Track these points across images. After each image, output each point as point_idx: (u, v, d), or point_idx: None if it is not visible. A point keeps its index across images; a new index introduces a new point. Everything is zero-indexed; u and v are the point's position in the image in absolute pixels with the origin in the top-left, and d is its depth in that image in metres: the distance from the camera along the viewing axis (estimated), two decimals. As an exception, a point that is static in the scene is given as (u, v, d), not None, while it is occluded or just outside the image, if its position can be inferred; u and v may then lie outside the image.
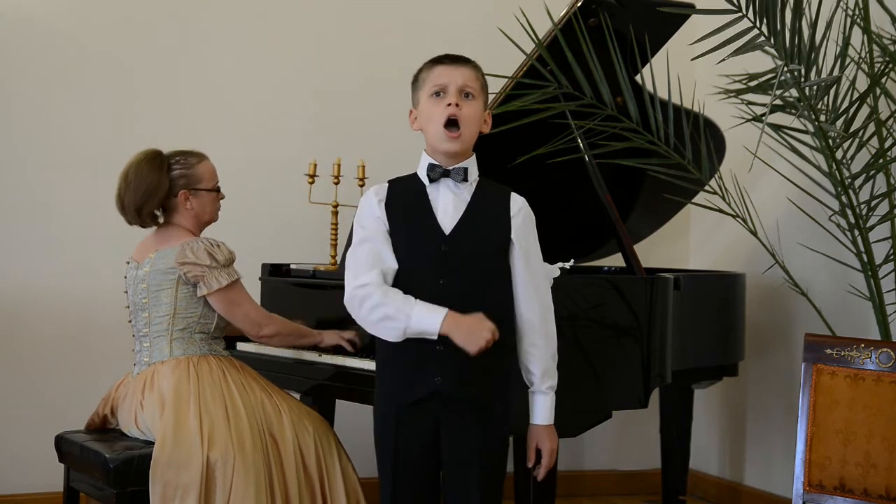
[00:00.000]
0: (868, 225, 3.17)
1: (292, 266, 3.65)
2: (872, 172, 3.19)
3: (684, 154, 3.35)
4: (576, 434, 2.96)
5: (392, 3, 4.35)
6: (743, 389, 4.33)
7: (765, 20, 2.96)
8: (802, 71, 3.00)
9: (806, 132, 3.26)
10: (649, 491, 4.43)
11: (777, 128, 3.31)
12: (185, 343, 2.99)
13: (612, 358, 3.01)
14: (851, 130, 3.18)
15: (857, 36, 3.21)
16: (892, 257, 3.21)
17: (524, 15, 3.16)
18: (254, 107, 4.19)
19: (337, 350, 3.15)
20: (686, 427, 3.86)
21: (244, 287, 3.05)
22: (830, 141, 3.12)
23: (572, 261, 3.07)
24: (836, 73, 3.10)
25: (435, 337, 2.21)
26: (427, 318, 2.20)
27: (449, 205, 2.33)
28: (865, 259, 3.19)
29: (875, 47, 3.15)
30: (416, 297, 2.25)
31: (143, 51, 4.06)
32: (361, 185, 3.73)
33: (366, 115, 4.22)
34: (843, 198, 3.15)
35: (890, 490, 2.58)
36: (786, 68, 2.99)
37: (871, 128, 3.20)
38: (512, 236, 2.34)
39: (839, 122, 3.18)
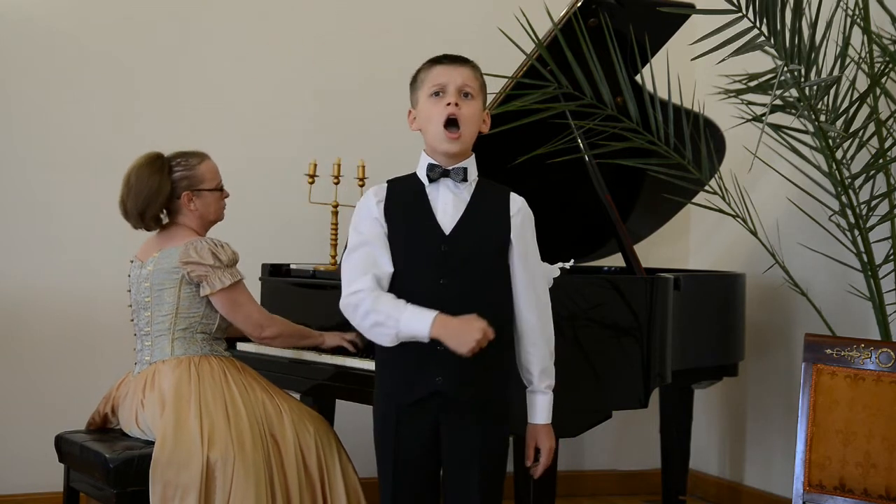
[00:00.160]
0: (868, 225, 3.17)
1: (292, 266, 3.65)
2: (872, 172, 3.19)
3: (684, 154, 3.35)
4: (576, 434, 2.96)
5: (392, 3, 4.35)
6: (743, 389, 4.33)
7: (765, 20, 2.96)
8: (802, 71, 3.00)
9: (806, 132, 3.26)
10: (649, 491, 4.43)
11: (777, 128, 3.31)
12: (187, 343, 2.99)
13: (612, 358, 3.01)
14: (851, 130, 3.18)
15: (857, 36, 3.21)
16: (892, 257, 3.21)
17: (524, 15, 3.16)
18: (254, 107, 4.19)
19: (337, 350, 3.15)
20: (686, 427, 3.86)
21: (247, 288, 3.05)
22: (830, 141, 3.12)
23: (572, 261, 3.06)
24: (836, 73, 3.10)
25: (426, 340, 2.20)
26: (416, 323, 2.20)
27: (448, 205, 2.33)
28: (865, 259, 3.19)
29: (875, 47, 3.15)
30: (416, 298, 2.25)
31: (143, 51, 4.06)
32: (361, 185, 3.73)
33: (366, 115, 4.22)
34: (843, 198, 3.15)
35: (890, 490, 2.58)
36: (786, 68, 2.99)
37: (871, 128, 3.20)
38: (511, 236, 2.34)
39: (839, 122, 3.18)
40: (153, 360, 2.99)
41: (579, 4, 3.19)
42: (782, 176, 3.57)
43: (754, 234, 3.44)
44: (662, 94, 3.35)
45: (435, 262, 2.29)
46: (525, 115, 3.18)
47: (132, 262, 3.13)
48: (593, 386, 2.96)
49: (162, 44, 4.09)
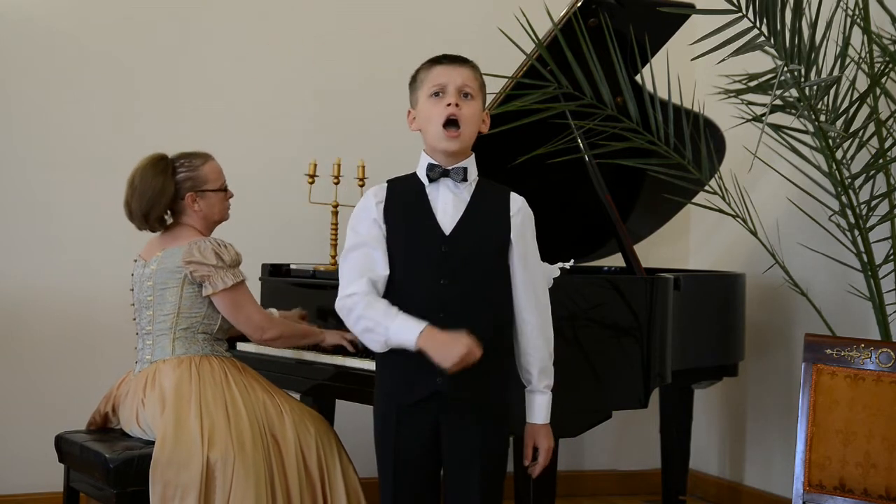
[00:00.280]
0: (868, 225, 3.17)
1: (292, 266, 3.66)
2: (872, 172, 3.19)
3: (684, 154, 3.35)
4: (576, 434, 2.96)
5: (392, 3, 4.35)
6: (743, 389, 4.33)
7: (765, 20, 2.96)
8: (802, 71, 3.00)
9: (806, 132, 3.26)
10: (649, 491, 4.43)
11: (777, 128, 3.31)
12: (188, 342, 2.99)
13: (612, 358, 3.01)
14: (851, 130, 3.18)
15: (857, 36, 3.21)
16: (892, 257, 3.21)
17: (524, 15, 3.16)
18: (254, 107, 4.19)
19: (337, 350, 3.15)
20: (686, 427, 3.86)
21: (249, 290, 3.05)
22: (830, 141, 3.12)
23: (572, 261, 3.06)
24: (836, 73, 3.10)
25: (413, 350, 2.20)
26: (404, 333, 2.20)
27: (448, 205, 2.33)
28: (865, 259, 3.19)
29: (875, 47, 3.15)
30: (416, 298, 2.26)
31: (143, 51, 4.07)
32: (361, 185, 3.73)
33: (366, 115, 4.22)
34: (843, 198, 3.15)
35: (890, 490, 2.58)
36: (786, 68, 2.99)
37: (871, 128, 3.20)
38: (511, 236, 2.34)
39: (839, 122, 3.18)
40: (154, 358, 2.99)
41: (579, 4, 3.19)
42: (782, 176, 3.57)
43: (754, 234, 3.44)
44: (662, 94, 3.35)
45: (435, 263, 2.29)
46: (525, 115, 3.18)
47: (136, 261, 3.13)
48: (593, 386, 2.96)
49: (162, 44, 4.09)
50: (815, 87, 3.05)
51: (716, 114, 3.66)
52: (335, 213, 3.77)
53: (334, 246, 3.77)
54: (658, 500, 4.02)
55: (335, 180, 3.76)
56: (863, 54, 3.19)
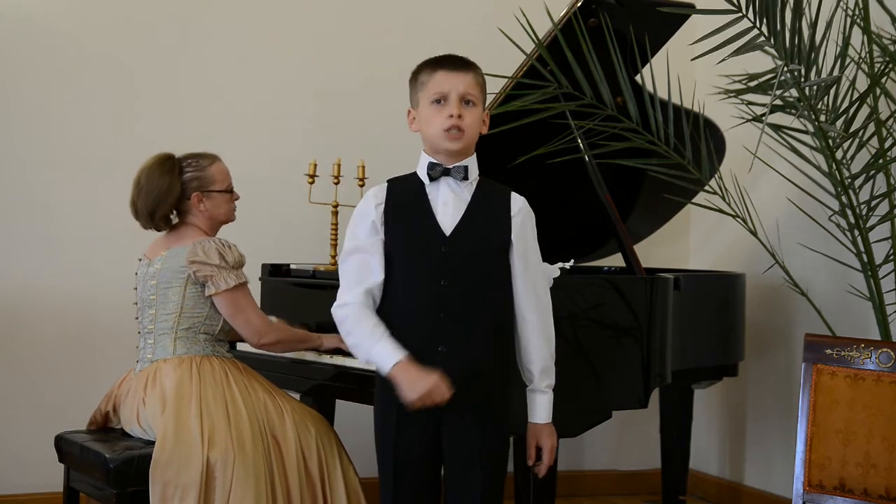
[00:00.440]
0: (868, 225, 3.17)
1: (292, 266, 3.65)
2: (872, 172, 3.19)
3: (684, 154, 3.35)
4: (576, 434, 2.96)
5: (392, 3, 4.35)
6: (743, 389, 4.33)
7: (765, 20, 2.96)
8: (802, 71, 3.00)
9: (806, 132, 3.26)
10: (649, 491, 4.43)
11: (777, 128, 3.31)
12: (189, 342, 2.99)
13: (612, 358, 3.01)
14: (851, 130, 3.18)
15: (857, 36, 3.21)
16: (892, 257, 3.21)
17: (524, 15, 3.16)
18: (254, 107, 4.19)
19: (338, 351, 3.15)
20: (686, 427, 3.86)
21: (250, 293, 3.05)
22: (830, 141, 3.12)
23: (572, 261, 3.06)
24: (836, 73, 3.10)
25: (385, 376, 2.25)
26: (381, 359, 2.25)
27: (449, 205, 2.32)
28: (865, 259, 3.19)
29: (875, 47, 3.15)
30: (417, 299, 2.27)
31: (143, 51, 4.06)
32: (361, 186, 3.73)
33: (366, 115, 4.22)
34: (843, 198, 3.15)
35: (890, 490, 2.58)
36: (786, 68, 2.99)
37: (871, 128, 3.20)
38: (512, 236, 2.34)
39: (839, 122, 3.18)
40: (155, 358, 2.99)
41: (579, 4, 3.19)
42: (782, 176, 3.57)
43: (754, 234, 3.44)
44: (662, 94, 3.35)
45: (435, 263, 2.29)
46: (525, 115, 3.18)
47: (140, 260, 3.14)
48: (593, 386, 2.96)
49: (162, 44, 4.09)
50: (815, 87, 3.05)
51: (716, 114, 3.66)
52: (335, 213, 3.77)
53: (334, 246, 3.76)
54: (658, 500, 4.02)
55: (335, 180, 3.76)
56: (863, 54, 3.19)
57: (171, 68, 4.10)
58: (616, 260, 3.81)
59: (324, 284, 3.43)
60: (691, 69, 3.38)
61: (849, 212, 3.16)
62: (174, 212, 3.09)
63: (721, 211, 3.45)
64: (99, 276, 3.95)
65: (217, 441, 2.78)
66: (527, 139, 3.20)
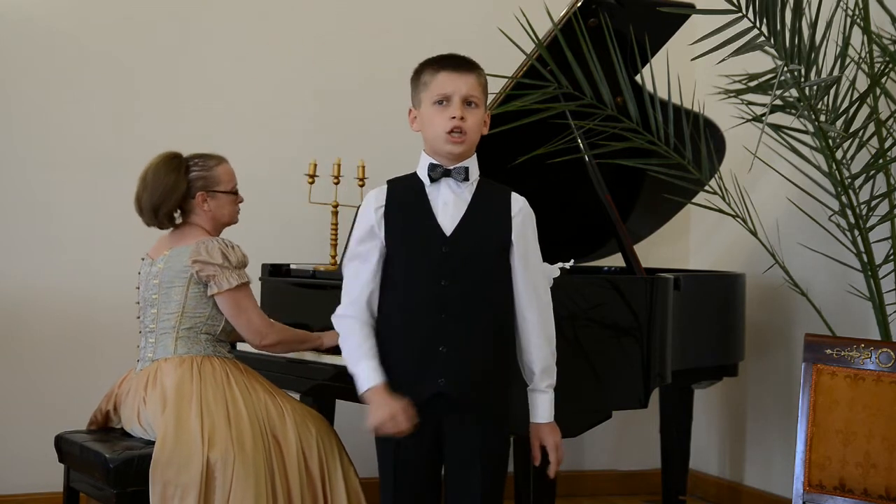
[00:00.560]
0: (868, 225, 3.17)
1: (292, 266, 3.65)
2: (872, 172, 3.19)
3: (684, 154, 3.35)
4: (576, 434, 2.95)
5: (392, 3, 4.35)
6: (743, 389, 4.33)
7: (765, 20, 2.96)
8: (802, 71, 3.00)
9: (806, 132, 3.26)
10: (649, 491, 4.43)
11: (777, 128, 3.31)
12: (190, 342, 2.99)
13: (612, 358, 3.01)
14: (851, 130, 3.18)
15: (857, 36, 3.21)
16: (892, 257, 3.21)
17: (524, 15, 3.16)
18: (254, 107, 4.19)
19: (337, 350, 3.15)
20: (686, 427, 3.86)
21: (252, 294, 3.05)
22: (830, 141, 3.12)
23: (572, 261, 3.06)
24: (836, 73, 3.10)
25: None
26: (359, 380, 2.30)
27: (449, 205, 2.32)
28: (865, 259, 3.19)
29: (875, 47, 3.15)
30: (417, 300, 2.27)
31: (143, 51, 4.07)
32: (361, 186, 3.73)
33: (366, 115, 4.22)
34: (843, 198, 3.15)
35: (890, 490, 2.58)
36: (786, 68, 2.99)
37: (871, 128, 3.20)
38: (512, 237, 2.34)
39: (839, 122, 3.18)
40: (156, 357, 2.99)
41: (579, 4, 3.19)
42: (782, 176, 3.57)
43: (754, 234, 3.44)
44: (662, 94, 3.35)
45: (436, 263, 2.29)
46: (525, 115, 3.18)
47: (143, 259, 3.14)
48: (593, 386, 2.96)
49: (162, 44, 4.09)
50: (815, 87, 3.05)
51: (716, 114, 3.66)
52: (335, 213, 3.77)
53: (334, 246, 3.76)
54: (658, 500, 4.02)
55: (335, 180, 3.76)
56: (863, 54, 3.19)
57: (171, 68, 4.10)
58: (616, 260, 3.81)
59: (324, 284, 3.43)
60: (691, 69, 3.38)
61: (849, 212, 3.16)
62: (178, 210, 3.09)
63: (721, 211, 3.45)
64: (99, 276, 3.95)
65: (217, 441, 2.78)
66: (527, 139, 3.20)
